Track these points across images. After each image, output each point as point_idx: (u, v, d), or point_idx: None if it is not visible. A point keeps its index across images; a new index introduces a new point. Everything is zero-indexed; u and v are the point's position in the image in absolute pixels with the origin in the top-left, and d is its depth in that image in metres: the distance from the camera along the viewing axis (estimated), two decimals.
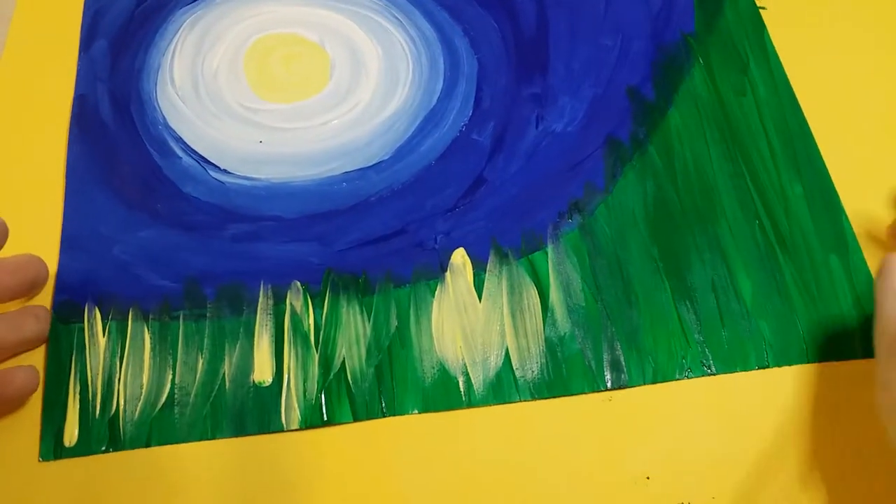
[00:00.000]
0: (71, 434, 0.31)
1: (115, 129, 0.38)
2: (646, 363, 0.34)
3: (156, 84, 0.39)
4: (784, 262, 0.36)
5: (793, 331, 0.35)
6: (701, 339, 0.34)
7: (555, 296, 0.35)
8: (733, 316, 0.35)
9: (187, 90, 0.39)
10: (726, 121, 0.40)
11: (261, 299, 0.35)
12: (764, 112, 0.40)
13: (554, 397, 0.33)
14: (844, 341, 0.34)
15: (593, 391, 0.33)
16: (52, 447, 0.31)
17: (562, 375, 0.33)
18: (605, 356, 0.34)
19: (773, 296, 0.35)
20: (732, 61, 0.42)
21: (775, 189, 0.38)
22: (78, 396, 0.32)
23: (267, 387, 0.33)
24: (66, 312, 0.34)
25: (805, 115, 0.40)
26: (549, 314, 0.35)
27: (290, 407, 0.32)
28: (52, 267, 0.35)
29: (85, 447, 0.31)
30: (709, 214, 0.37)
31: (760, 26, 0.43)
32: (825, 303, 0.35)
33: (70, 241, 0.35)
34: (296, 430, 0.32)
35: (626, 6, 0.44)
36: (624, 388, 0.33)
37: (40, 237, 0.35)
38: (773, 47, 0.42)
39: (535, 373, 0.33)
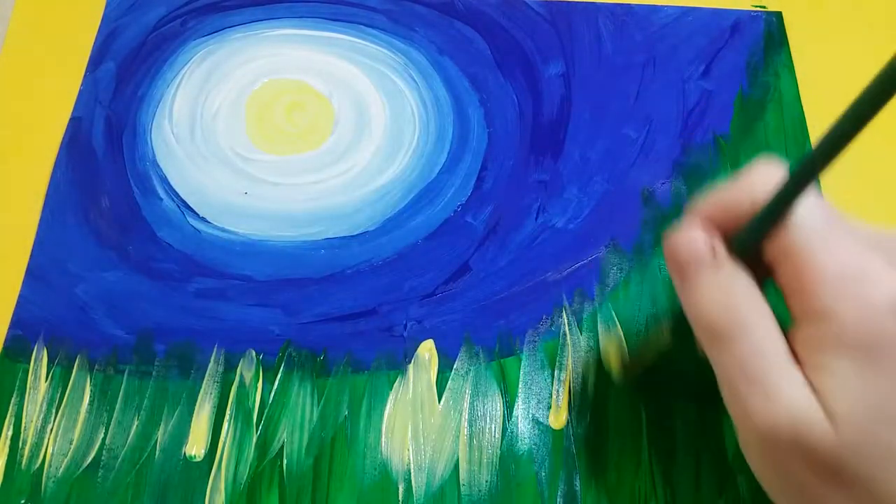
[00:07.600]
0: None
1: (103, 158, 0.37)
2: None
3: (153, 116, 0.38)
4: None
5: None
6: (670, 489, 0.31)
7: (520, 409, 0.33)
8: (711, 468, 0.32)
9: (183, 127, 0.38)
10: None
11: (211, 364, 0.33)
12: None
13: None
14: None
15: None
16: None
17: (510, 500, 0.31)
18: (561, 487, 0.31)
19: None
20: None
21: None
22: (8, 443, 0.31)
23: (197, 462, 0.31)
24: (16, 350, 0.33)
25: None
26: (510, 428, 0.32)
27: (217, 489, 0.31)
28: (14, 294, 0.34)
29: (4, 497, 0.30)
30: None
31: (804, 139, 0.39)
32: None
33: (35, 272, 0.34)
34: None
35: (660, 97, 0.40)
36: None
37: (7, 259, 0.35)
38: None
39: (483, 492, 0.31)
